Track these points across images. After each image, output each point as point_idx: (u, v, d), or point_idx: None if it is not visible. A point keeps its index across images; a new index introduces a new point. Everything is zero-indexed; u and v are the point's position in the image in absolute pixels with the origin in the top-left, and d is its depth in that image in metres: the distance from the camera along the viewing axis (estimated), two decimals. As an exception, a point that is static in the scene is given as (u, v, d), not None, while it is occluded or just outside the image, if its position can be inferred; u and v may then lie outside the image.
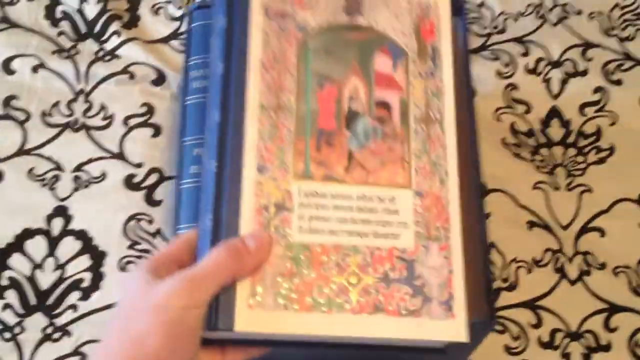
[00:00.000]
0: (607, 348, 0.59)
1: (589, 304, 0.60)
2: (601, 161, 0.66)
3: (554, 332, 0.59)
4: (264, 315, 0.43)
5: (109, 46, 0.69)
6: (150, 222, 0.62)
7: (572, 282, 0.61)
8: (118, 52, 0.69)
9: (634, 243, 0.62)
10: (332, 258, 0.45)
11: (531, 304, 0.60)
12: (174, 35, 0.70)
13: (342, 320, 0.44)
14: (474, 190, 0.51)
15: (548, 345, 0.59)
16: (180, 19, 0.71)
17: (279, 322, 0.43)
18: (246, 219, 0.44)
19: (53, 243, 0.61)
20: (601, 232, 0.63)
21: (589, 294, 0.61)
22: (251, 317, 0.42)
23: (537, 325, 0.60)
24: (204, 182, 0.46)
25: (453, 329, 0.45)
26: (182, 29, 0.70)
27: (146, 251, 0.61)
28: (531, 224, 0.63)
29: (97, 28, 0.70)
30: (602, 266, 0.61)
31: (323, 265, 0.44)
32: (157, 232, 0.62)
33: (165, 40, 0.70)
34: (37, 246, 0.61)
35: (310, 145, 0.46)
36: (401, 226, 0.46)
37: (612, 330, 0.59)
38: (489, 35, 0.71)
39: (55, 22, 0.70)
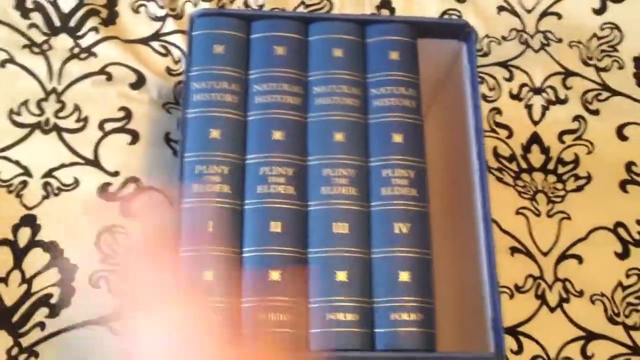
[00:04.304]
0: (584, 376, 0.60)
1: (567, 331, 0.61)
2: (579, 189, 0.67)
3: (534, 359, 0.60)
4: None
5: (84, 43, 0.65)
6: (126, 234, 0.59)
7: (552, 309, 0.62)
8: (95, 50, 0.65)
9: (610, 271, 0.64)
10: None
11: (512, 330, 0.61)
12: (156, 36, 0.67)
13: None
14: (482, 223, 0.51)
15: (528, 372, 0.59)
16: (162, 19, 0.67)
17: None
18: None
19: (19, 255, 0.57)
20: (579, 259, 0.64)
21: (567, 321, 0.61)
22: None
23: (518, 351, 0.60)
24: None
25: None
26: (165, 29, 0.67)
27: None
28: (513, 250, 0.63)
29: (73, 23, 0.65)
30: (580, 293, 0.62)
31: None
32: (134, 246, 0.58)
33: (146, 40, 0.66)
34: (1, 258, 0.56)
35: None
36: None
37: (589, 358, 0.60)
38: (474, 57, 0.71)
39: (25, 14, 0.65)
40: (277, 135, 0.50)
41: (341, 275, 0.47)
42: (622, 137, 0.69)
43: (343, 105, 0.51)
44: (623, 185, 0.67)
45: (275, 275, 0.46)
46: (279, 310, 0.46)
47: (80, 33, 0.65)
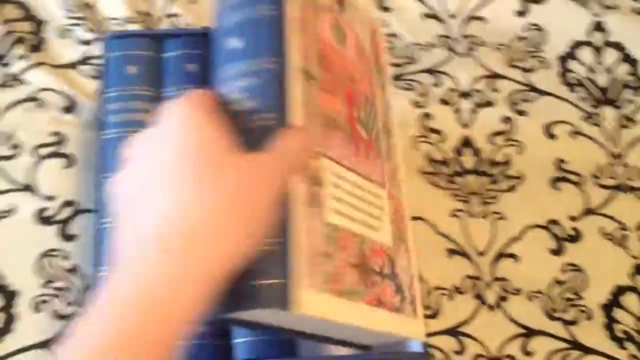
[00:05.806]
0: (525, 371, 0.61)
1: (507, 329, 0.62)
2: (511, 189, 0.69)
3: (476, 358, 0.61)
4: (315, 297, 0.37)
5: (13, 70, 0.65)
6: (66, 258, 0.58)
7: (491, 308, 0.63)
8: (23, 77, 0.65)
9: (545, 268, 0.65)
10: (352, 245, 0.41)
11: (453, 331, 0.62)
12: (84, 60, 0.67)
13: (360, 310, 0.40)
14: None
15: (471, 371, 0.61)
16: (89, 42, 0.68)
17: (321, 306, 0.38)
18: None
19: (-44, 285, 0.56)
20: (515, 258, 0.65)
21: (506, 319, 0.63)
22: (309, 299, 0.37)
23: (460, 351, 0.61)
24: None
25: (420, 329, 0.45)
26: (92, 53, 0.67)
27: (63, 289, 0.57)
28: (450, 252, 0.65)
29: (0, 51, 0.65)
30: (518, 291, 0.64)
31: (347, 251, 0.41)
32: (74, 269, 0.58)
33: (75, 65, 0.67)
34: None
35: None
36: (385, 223, 0.45)
37: (530, 354, 0.62)
38: (402, 65, 0.73)
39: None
40: None
41: None
42: (551, 136, 0.72)
43: None
44: (554, 182, 0.69)
45: None
46: None
47: (7, 61, 0.65)
